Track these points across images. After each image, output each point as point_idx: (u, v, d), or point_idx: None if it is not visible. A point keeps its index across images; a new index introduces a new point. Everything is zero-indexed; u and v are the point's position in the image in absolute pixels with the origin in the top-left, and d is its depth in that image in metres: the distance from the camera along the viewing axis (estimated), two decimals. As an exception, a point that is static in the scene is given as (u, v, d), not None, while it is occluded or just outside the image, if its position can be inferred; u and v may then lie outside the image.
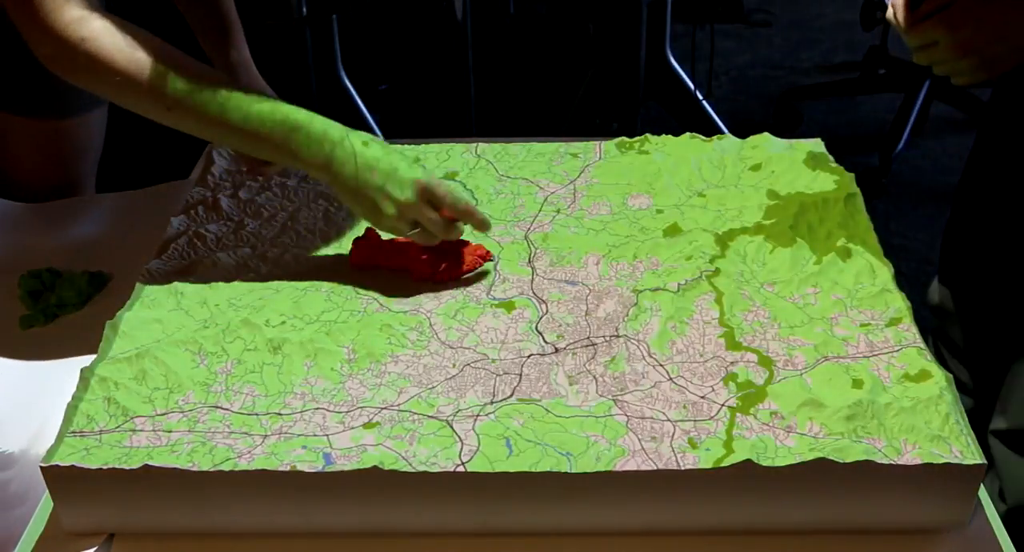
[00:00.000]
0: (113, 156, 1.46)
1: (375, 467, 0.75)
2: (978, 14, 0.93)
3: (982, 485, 0.79)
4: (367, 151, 0.94)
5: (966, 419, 0.80)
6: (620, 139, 1.22)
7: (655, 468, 0.76)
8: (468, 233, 1.02)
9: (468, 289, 0.98)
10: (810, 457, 0.75)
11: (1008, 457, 1.14)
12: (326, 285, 0.99)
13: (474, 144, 1.23)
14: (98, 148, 1.38)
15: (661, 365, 0.87)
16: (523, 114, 2.81)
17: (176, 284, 0.98)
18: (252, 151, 0.96)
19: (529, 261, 1.02)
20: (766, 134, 1.20)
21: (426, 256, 1.00)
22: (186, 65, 0.91)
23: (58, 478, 0.76)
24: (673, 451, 0.78)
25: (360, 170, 0.93)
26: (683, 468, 0.76)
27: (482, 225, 1.00)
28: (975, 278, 1.24)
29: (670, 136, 1.21)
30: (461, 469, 0.77)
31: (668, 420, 0.81)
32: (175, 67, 0.90)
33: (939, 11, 0.95)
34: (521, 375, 0.87)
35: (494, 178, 1.17)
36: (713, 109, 2.57)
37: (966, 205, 1.25)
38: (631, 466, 0.77)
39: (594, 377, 0.86)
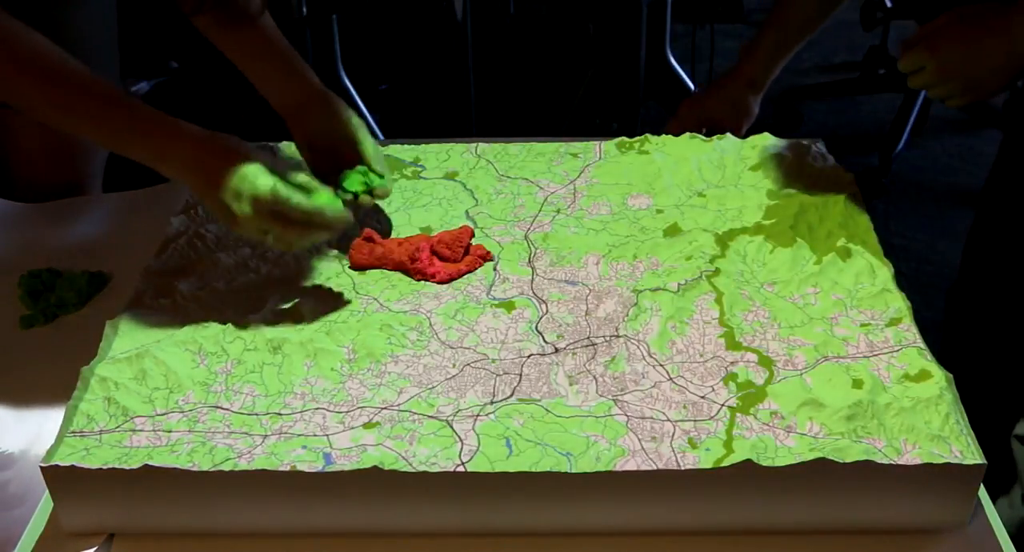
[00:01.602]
0: (116, 156, 1.46)
1: (375, 467, 0.75)
2: (958, 40, 0.98)
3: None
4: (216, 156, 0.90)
5: (966, 419, 0.80)
6: (620, 139, 1.21)
7: (655, 468, 0.76)
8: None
9: (468, 289, 0.98)
10: (810, 457, 0.75)
11: None
12: (326, 285, 0.99)
13: (474, 144, 1.23)
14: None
15: (661, 365, 0.87)
16: (523, 114, 2.81)
17: (175, 284, 0.98)
18: (115, 143, 0.93)
19: (529, 261, 1.02)
20: (766, 134, 1.20)
21: (426, 256, 1.00)
22: (60, 61, 0.90)
23: (58, 478, 0.76)
24: (673, 451, 0.78)
25: (208, 175, 0.89)
26: (683, 468, 0.76)
27: (336, 223, 0.92)
28: (1001, 280, 1.24)
29: (670, 136, 1.21)
30: (461, 469, 0.77)
31: (668, 420, 0.81)
32: (52, 65, 0.89)
33: (924, 39, 1.00)
34: (521, 375, 0.87)
35: (494, 178, 1.17)
36: (713, 109, 2.56)
37: (992, 207, 1.25)
38: (631, 466, 0.77)
39: (594, 377, 0.86)
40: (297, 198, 0.89)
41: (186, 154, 0.90)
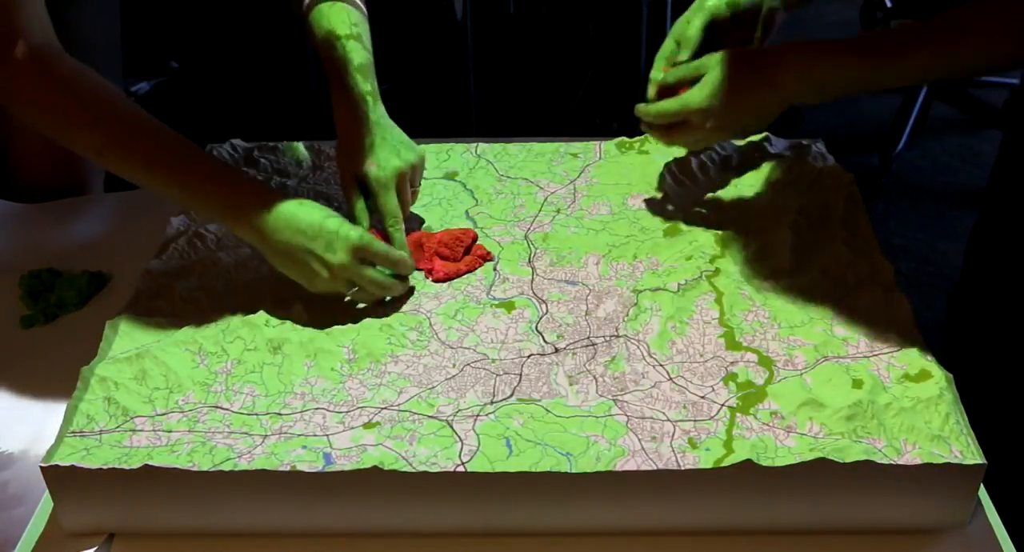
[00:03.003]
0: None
1: (375, 467, 0.75)
2: (732, 98, 0.96)
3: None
4: (299, 213, 0.91)
5: (966, 419, 0.80)
6: (620, 139, 1.21)
7: (655, 468, 0.76)
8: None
9: (468, 289, 0.98)
10: (810, 457, 0.75)
11: None
12: (326, 285, 0.98)
13: (474, 144, 1.23)
14: None
15: (661, 365, 0.87)
16: (523, 114, 2.81)
17: (175, 284, 0.98)
18: (185, 203, 0.96)
19: (529, 261, 1.02)
20: (766, 134, 1.20)
21: (426, 256, 1.00)
22: (134, 114, 0.91)
23: (58, 478, 0.76)
24: (673, 451, 0.78)
25: (292, 233, 0.90)
26: (683, 468, 0.76)
27: (405, 270, 0.96)
28: (1004, 281, 1.23)
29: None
30: (461, 469, 0.77)
31: (668, 420, 0.81)
32: (125, 116, 0.91)
33: (690, 94, 0.97)
34: (521, 375, 0.87)
35: (494, 178, 1.17)
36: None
37: (994, 208, 1.24)
38: (631, 466, 0.77)
39: (594, 377, 0.86)
40: (384, 246, 0.94)
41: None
